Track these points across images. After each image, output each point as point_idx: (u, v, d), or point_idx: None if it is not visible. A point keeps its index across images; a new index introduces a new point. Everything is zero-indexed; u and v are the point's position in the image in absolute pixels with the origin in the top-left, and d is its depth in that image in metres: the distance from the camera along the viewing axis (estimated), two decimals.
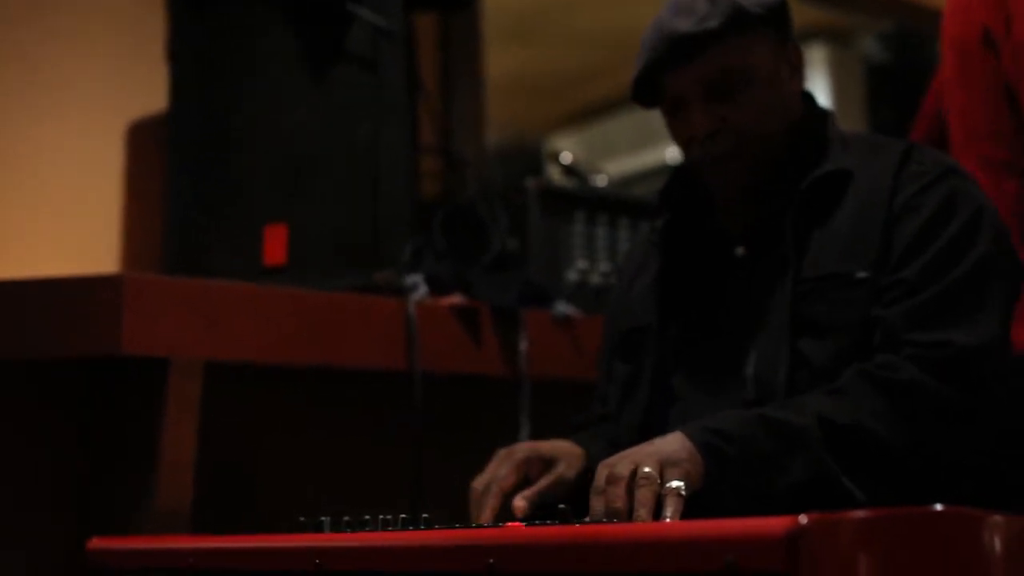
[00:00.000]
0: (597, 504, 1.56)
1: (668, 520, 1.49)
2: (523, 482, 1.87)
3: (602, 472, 1.58)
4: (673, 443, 1.61)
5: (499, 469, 1.87)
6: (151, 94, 2.86)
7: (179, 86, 2.65)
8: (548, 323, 2.57)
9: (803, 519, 1.05)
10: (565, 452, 1.92)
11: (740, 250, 1.92)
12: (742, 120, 1.87)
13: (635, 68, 1.92)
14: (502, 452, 1.90)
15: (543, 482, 1.86)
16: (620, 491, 1.53)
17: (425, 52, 3.24)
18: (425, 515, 1.60)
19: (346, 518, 1.51)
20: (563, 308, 2.60)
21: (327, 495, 2.39)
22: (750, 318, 1.85)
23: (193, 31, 2.63)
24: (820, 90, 5.55)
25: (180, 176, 2.60)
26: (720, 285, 1.94)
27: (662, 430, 1.81)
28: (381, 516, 1.51)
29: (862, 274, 1.77)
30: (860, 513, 1.11)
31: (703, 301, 1.95)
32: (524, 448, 1.91)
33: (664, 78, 1.90)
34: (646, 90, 1.94)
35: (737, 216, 1.95)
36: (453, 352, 2.42)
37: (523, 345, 2.49)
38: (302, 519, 1.54)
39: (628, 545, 1.18)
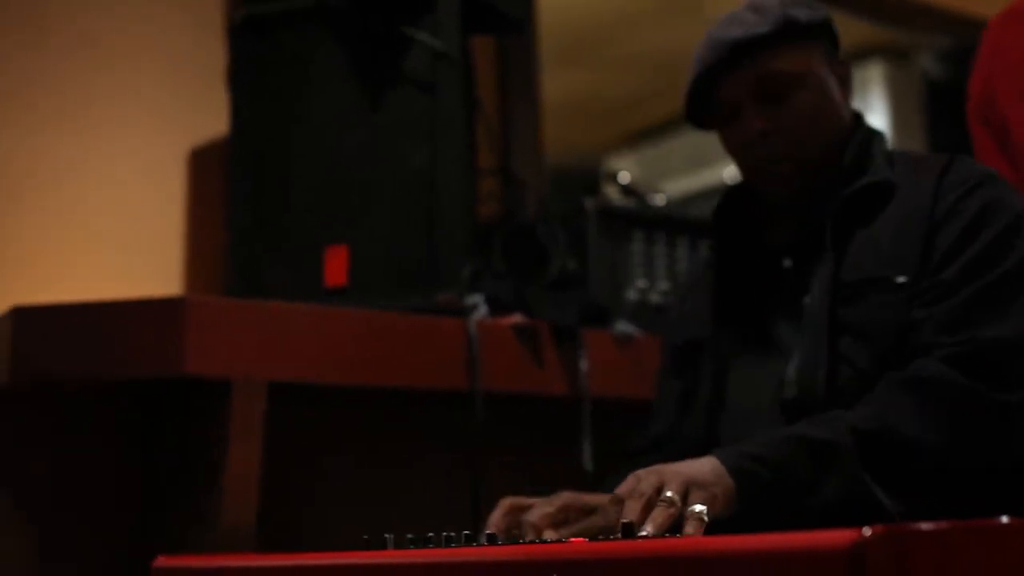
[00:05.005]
0: (611, 511, 1.58)
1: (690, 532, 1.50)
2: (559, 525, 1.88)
3: (629, 483, 1.59)
4: (704, 466, 1.62)
5: (537, 503, 1.89)
6: (212, 118, 2.89)
7: (239, 110, 2.67)
8: (608, 342, 2.57)
9: (867, 531, 1.04)
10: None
11: (787, 262, 1.95)
12: (794, 123, 1.92)
13: (687, 83, 1.98)
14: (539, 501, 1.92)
15: (577, 526, 1.87)
16: (637, 506, 1.54)
17: (482, 74, 3.26)
18: (488, 532, 1.60)
19: (410, 535, 1.52)
20: (623, 327, 2.60)
21: (389, 513, 2.40)
22: (793, 324, 1.88)
23: (252, 56, 2.66)
24: (879, 107, 5.53)
25: (241, 199, 2.62)
26: (769, 297, 1.96)
27: (717, 440, 1.81)
28: (444, 533, 1.51)
29: (901, 279, 1.79)
30: (925, 525, 1.10)
31: (753, 313, 1.98)
32: (567, 495, 1.91)
33: (717, 88, 1.95)
34: (699, 106, 2.00)
35: (784, 230, 1.98)
36: (514, 371, 2.42)
37: (583, 364, 2.49)
38: (365, 537, 1.54)
39: (688, 560, 1.18)
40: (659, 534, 1.49)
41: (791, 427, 1.71)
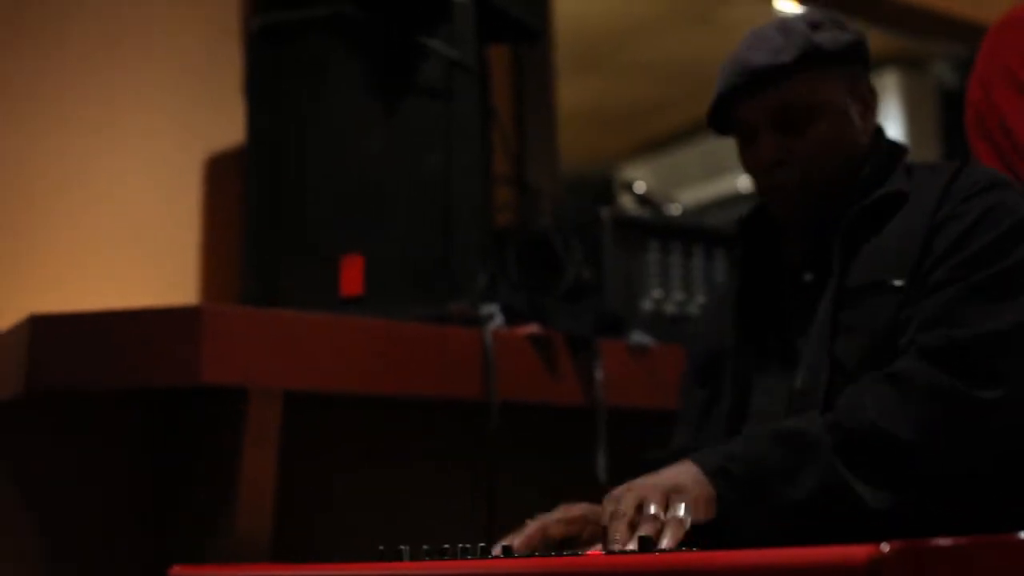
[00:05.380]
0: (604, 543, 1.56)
1: (664, 546, 1.48)
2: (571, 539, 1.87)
3: (607, 508, 1.58)
4: (679, 470, 1.62)
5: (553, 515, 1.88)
6: (228, 126, 2.90)
7: (255, 118, 2.68)
8: (623, 352, 2.57)
9: (884, 547, 1.04)
10: None
11: (808, 276, 1.95)
12: (807, 153, 1.92)
13: (711, 98, 1.98)
14: (561, 507, 1.91)
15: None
16: (622, 527, 1.53)
17: (498, 83, 3.26)
18: (503, 545, 1.60)
19: (425, 547, 1.52)
20: (638, 337, 2.60)
21: (404, 524, 2.40)
22: (803, 334, 1.89)
23: (268, 64, 2.67)
24: (894, 116, 5.52)
25: (257, 207, 2.62)
26: (790, 310, 1.97)
27: None
28: (460, 545, 1.51)
29: (898, 282, 1.80)
30: (943, 541, 1.10)
31: (775, 326, 1.98)
32: (583, 506, 1.90)
33: (736, 109, 1.96)
34: (720, 119, 2.01)
35: (804, 244, 1.98)
36: (529, 381, 2.42)
37: (598, 374, 2.49)
38: (381, 548, 1.54)
39: (703, 574, 1.18)
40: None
41: (767, 426, 1.71)
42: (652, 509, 1.53)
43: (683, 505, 1.54)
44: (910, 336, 1.74)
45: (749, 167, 2.00)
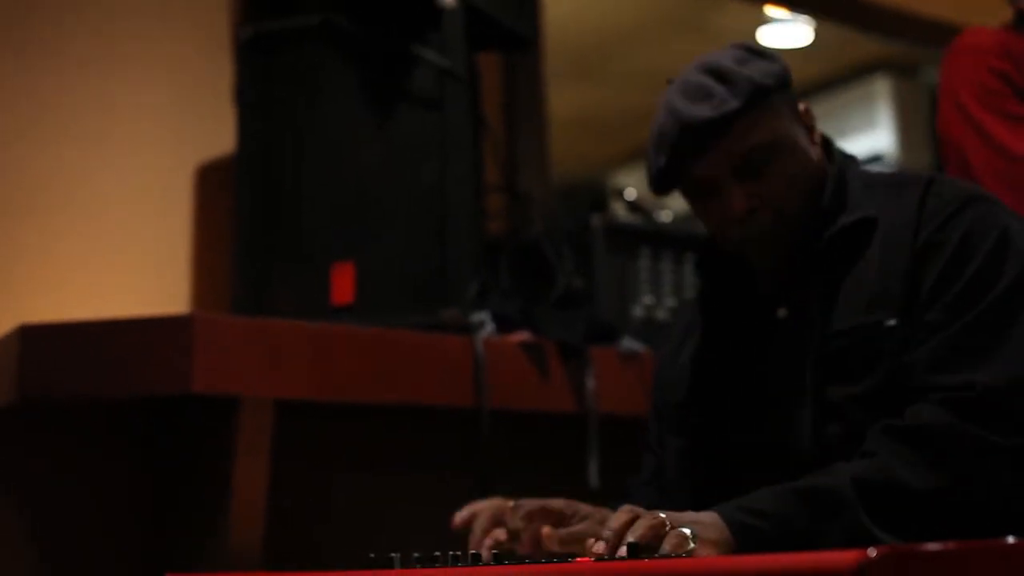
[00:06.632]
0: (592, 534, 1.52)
1: (667, 550, 1.45)
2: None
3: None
4: (704, 517, 1.57)
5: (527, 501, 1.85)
6: (219, 136, 2.90)
7: (246, 128, 2.68)
8: (615, 359, 2.57)
9: (872, 552, 1.04)
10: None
11: (782, 312, 1.88)
12: (776, 194, 1.83)
13: (653, 159, 1.89)
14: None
15: (573, 528, 1.82)
16: (624, 517, 1.49)
17: (489, 91, 3.26)
18: (495, 551, 1.60)
19: (416, 555, 1.52)
20: (629, 344, 2.60)
21: (395, 532, 2.40)
22: (787, 379, 1.81)
23: (259, 73, 2.67)
24: (885, 122, 5.52)
25: (248, 216, 2.62)
26: (765, 349, 1.89)
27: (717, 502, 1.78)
28: (451, 552, 1.51)
29: (891, 322, 1.73)
30: (931, 546, 1.10)
31: (750, 367, 1.91)
32: (560, 501, 1.87)
33: (690, 167, 1.85)
34: (667, 181, 1.90)
35: (776, 279, 1.91)
36: (520, 389, 2.42)
37: (590, 381, 2.49)
38: (372, 556, 1.54)
39: None
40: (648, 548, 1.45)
41: (793, 482, 1.66)
42: (662, 515, 1.49)
43: (691, 530, 1.49)
44: (919, 382, 1.69)
45: (715, 222, 1.89)
